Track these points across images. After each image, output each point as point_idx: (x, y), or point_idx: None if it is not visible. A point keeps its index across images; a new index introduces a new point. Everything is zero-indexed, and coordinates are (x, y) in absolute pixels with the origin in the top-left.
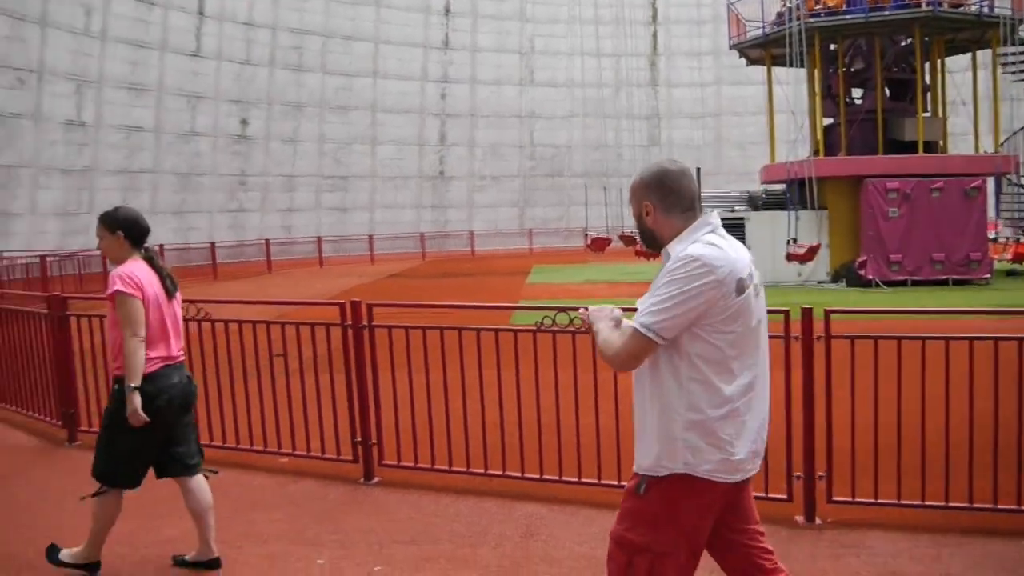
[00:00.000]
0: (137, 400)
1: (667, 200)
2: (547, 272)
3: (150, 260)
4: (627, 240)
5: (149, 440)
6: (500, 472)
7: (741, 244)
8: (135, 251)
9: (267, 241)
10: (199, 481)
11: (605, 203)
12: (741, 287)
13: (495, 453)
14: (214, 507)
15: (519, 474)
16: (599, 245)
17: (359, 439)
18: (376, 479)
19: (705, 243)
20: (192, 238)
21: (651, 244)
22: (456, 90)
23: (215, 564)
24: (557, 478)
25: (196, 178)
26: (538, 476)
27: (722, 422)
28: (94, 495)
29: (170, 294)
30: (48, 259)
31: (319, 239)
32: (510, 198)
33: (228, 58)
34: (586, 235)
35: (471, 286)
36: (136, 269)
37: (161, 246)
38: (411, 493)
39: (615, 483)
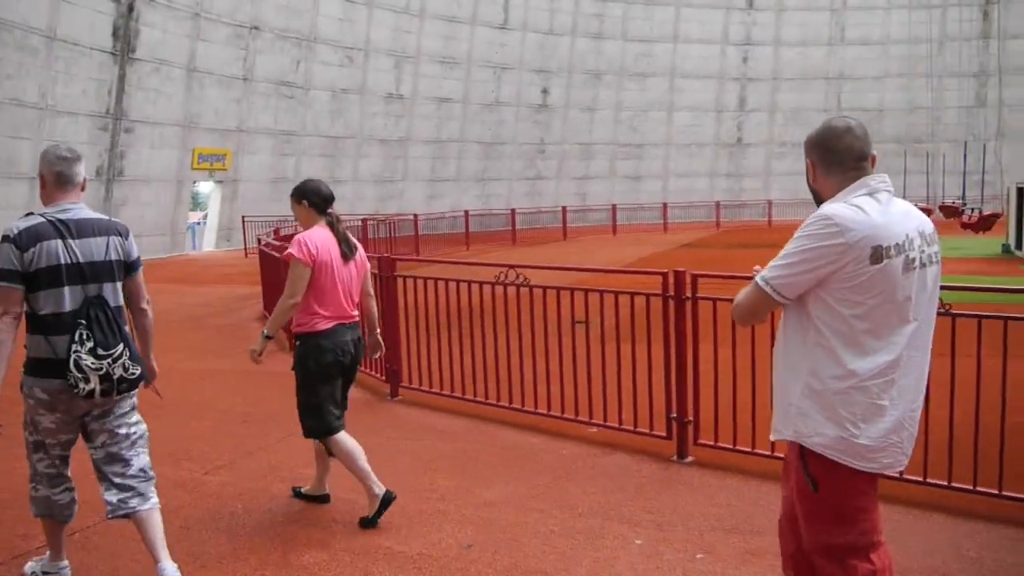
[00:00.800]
0: (266, 345)
1: (826, 158)
2: None
3: (331, 225)
4: (948, 211)
5: (329, 389)
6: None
7: (913, 211)
8: (320, 217)
9: (564, 208)
10: (344, 436)
11: (927, 171)
12: (877, 255)
13: None
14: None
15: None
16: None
17: (674, 415)
18: (690, 458)
19: (849, 204)
20: (492, 204)
21: (818, 204)
22: (758, 52)
23: (325, 499)
24: (906, 478)
25: (498, 147)
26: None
27: (843, 397)
28: (329, 453)
29: (346, 257)
30: (368, 222)
31: (613, 207)
32: None
33: (533, 29)
34: None
35: (771, 258)
36: (316, 235)
37: (466, 212)
38: (729, 477)
39: (968, 487)
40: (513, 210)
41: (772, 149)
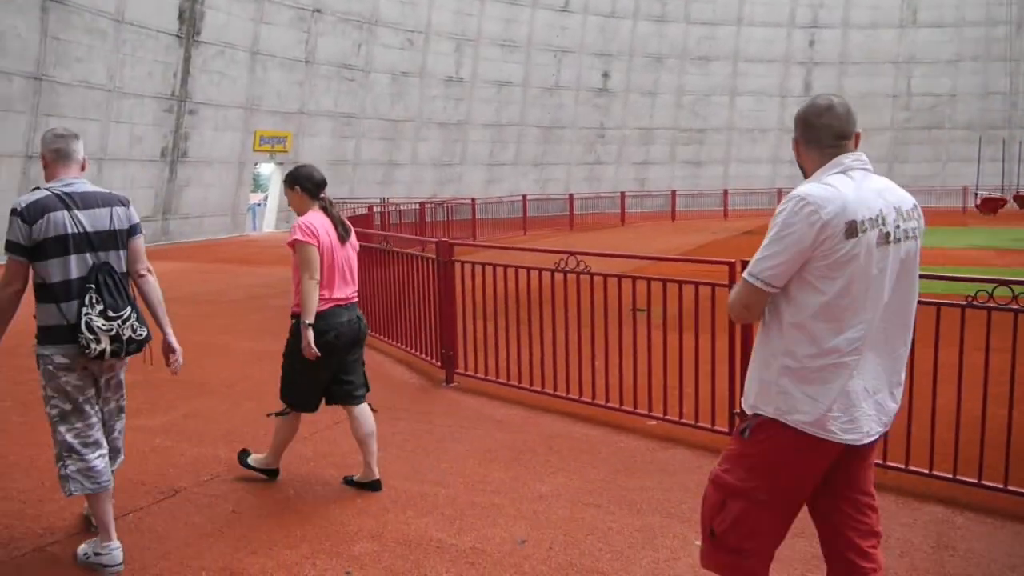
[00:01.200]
0: (310, 335)
1: (807, 134)
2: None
3: (325, 209)
4: (1023, 201)
5: (322, 371)
6: (902, 466)
7: (891, 188)
8: (313, 202)
9: (623, 194)
10: (363, 410)
11: (1003, 159)
12: (852, 230)
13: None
14: (376, 434)
15: (926, 470)
16: (991, 206)
17: (738, 410)
18: None
19: (822, 183)
20: (550, 189)
21: (806, 178)
22: (825, 35)
23: (376, 486)
24: (976, 480)
25: (557, 131)
26: (950, 475)
27: (821, 374)
28: (278, 414)
29: (342, 239)
30: (426, 205)
31: (672, 193)
32: (877, 153)
33: (594, 12)
34: (976, 195)
35: None
36: (313, 219)
37: (524, 196)
38: None
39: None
40: (571, 195)
41: None
